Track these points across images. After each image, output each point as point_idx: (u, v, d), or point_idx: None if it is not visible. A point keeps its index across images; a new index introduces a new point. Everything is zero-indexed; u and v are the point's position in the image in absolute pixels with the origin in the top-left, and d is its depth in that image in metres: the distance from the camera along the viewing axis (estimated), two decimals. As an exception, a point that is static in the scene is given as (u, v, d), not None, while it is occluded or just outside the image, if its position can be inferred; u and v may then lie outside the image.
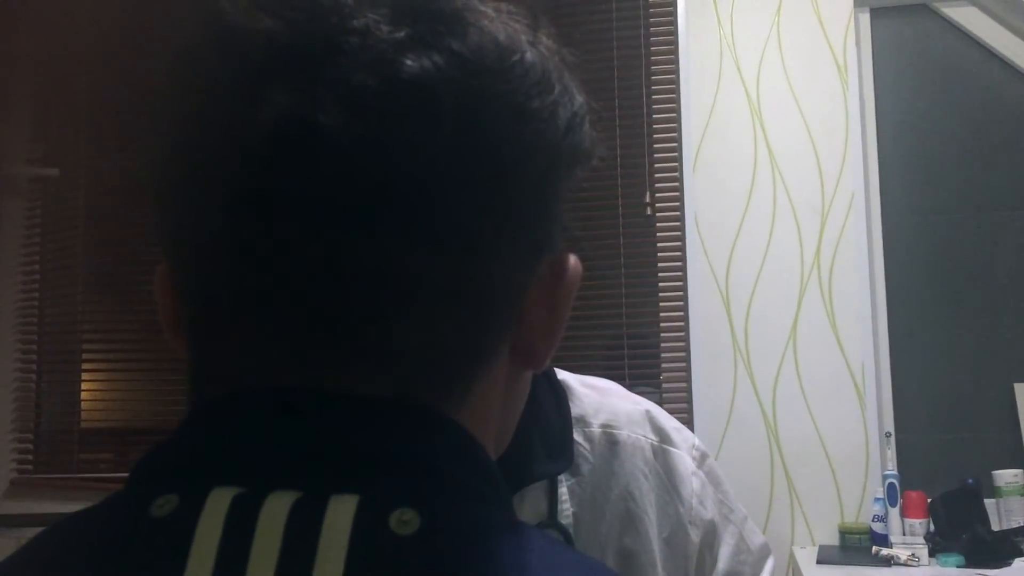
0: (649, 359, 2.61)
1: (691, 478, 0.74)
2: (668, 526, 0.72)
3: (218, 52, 0.38)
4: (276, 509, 0.34)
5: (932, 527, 2.27)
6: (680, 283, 2.56)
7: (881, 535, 2.24)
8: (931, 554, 2.13)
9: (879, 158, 2.54)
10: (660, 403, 0.79)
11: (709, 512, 0.74)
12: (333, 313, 0.37)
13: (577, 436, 0.72)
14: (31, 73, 3.12)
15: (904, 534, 2.29)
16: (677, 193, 2.60)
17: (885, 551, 2.13)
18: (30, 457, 3.02)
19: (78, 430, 3.02)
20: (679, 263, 2.57)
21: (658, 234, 2.62)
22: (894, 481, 2.32)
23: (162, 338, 0.43)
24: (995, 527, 2.25)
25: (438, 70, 0.36)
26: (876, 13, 2.58)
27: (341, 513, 0.34)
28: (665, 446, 0.75)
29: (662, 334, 2.59)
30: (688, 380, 2.53)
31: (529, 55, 0.40)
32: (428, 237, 0.37)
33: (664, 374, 2.58)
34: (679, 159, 2.60)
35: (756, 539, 0.77)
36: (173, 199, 0.40)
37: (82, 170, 3.06)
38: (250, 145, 0.36)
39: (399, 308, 0.37)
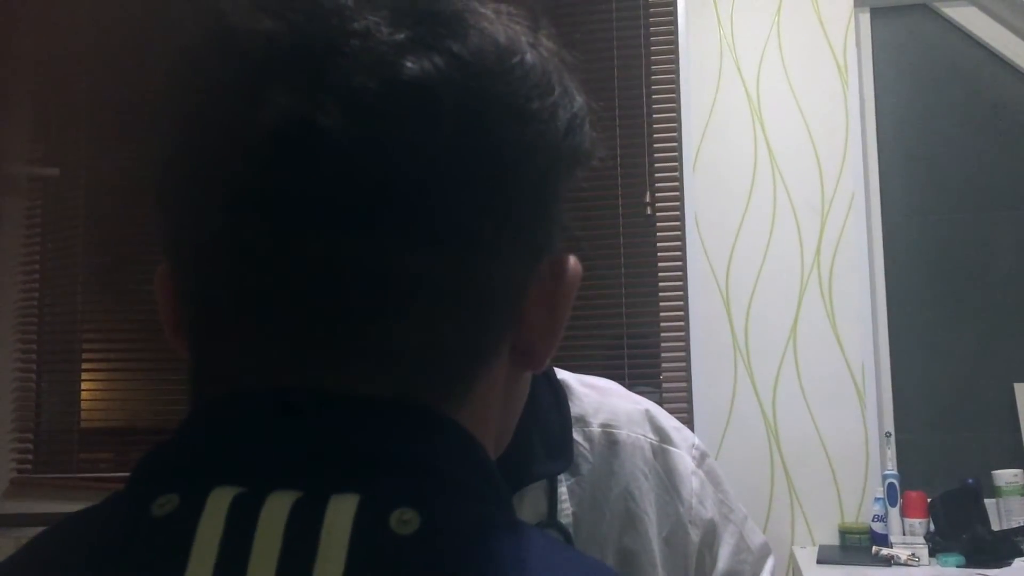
0: (649, 359, 2.61)
1: (691, 477, 0.74)
2: (668, 526, 0.72)
3: (219, 53, 0.38)
4: (276, 509, 0.34)
5: (932, 527, 2.27)
6: (680, 283, 2.56)
7: (881, 535, 2.24)
8: (931, 554, 2.13)
9: (879, 158, 2.54)
10: (660, 403, 0.79)
11: (709, 511, 0.74)
12: (333, 313, 0.37)
13: (577, 436, 0.72)
14: (31, 73, 3.11)
15: (904, 534, 2.29)
16: (677, 193, 2.60)
17: (885, 551, 2.13)
18: (30, 457, 3.01)
19: (78, 430, 3.01)
20: (679, 263, 2.57)
21: (658, 234, 2.62)
22: (894, 481, 2.32)
23: (162, 338, 0.43)
24: (995, 527, 2.25)
25: (438, 72, 0.36)
26: (876, 13, 2.58)
27: (341, 513, 0.34)
28: (665, 445, 0.75)
29: (662, 334, 2.59)
30: (688, 380, 2.53)
31: (529, 57, 0.40)
32: (428, 237, 0.37)
33: (664, 374, 2.58)
34: (679, 159, 2.60)
35: (756, 538, 0.77)
36: (174, 199, 0.40)
37: (82, 170, 3.06)
38: (251, 146, 0.36)
39: (399, 308, 0.37)
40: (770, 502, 2.40)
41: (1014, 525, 2.25)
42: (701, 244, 2.52)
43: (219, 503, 0.34)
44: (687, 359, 2.54)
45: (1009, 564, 2.07)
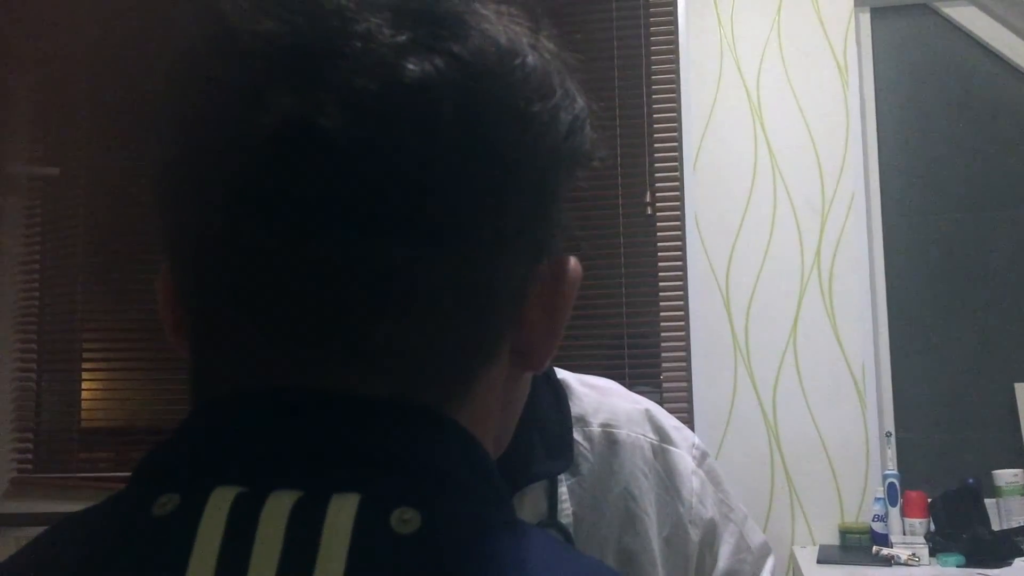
0: (649, 359, 2.61)
1: (691, 477, 0.74)
2: (668, 525, 0.72)
3: (219, 54, 0.38)
4: (277, 508, 0.34)
5: (932, 527, 2.27)
6: (680, 283, 2.56)
7: (881, 535, 2.24)
8: (931, 554, 2.13)
9: (879, 158, 2.54)
10: (660, 403, 0.79)
11: (709, 511, 0.74)
12: (333, 313, 0.37)
13: (577, 435, 0.72)
14: (31, 73, 3.12)
15: (904, 534, 2.29)
16: (677, 193, 2.60)
17: (885, 551, 2.14)
18: (30, 456, 3.02)
19: (78, 430, 3.02)
20: (679, 263, 2.57)
21: (658, 234, 2.62)
22: (894, 481, 2.32)
23: (162, 338, 0.43)
24: (995, 527, 2.25)
25: (439, 74, 0.36)
26: (876, 13, 2.58)
27: (342, 512, 0.34)
28: (665, 445, 0.75)
29: (662, 334, 2.59)
30: (688, 380, 2.53)
31: (530, 59, 0.40)
32: (428, 239, 0.37)
33: (664, 374, 2.58)
34: (679, 159, 2.60)
35: (756, 538, 0.77)
36: (174, 200, 0.40)
37: (82, 170, 3.06)
38: (251, 147, 0.36)
39: (399, 309, 0.37)
40: (770, 502, 2.40)
41: (1014, 525, 2.26)
42: (701, 244, 2.52)
43: (220, 503, 0.34)
44: (687, 359, 2.54)
45: (1009, 564, 2.07)
